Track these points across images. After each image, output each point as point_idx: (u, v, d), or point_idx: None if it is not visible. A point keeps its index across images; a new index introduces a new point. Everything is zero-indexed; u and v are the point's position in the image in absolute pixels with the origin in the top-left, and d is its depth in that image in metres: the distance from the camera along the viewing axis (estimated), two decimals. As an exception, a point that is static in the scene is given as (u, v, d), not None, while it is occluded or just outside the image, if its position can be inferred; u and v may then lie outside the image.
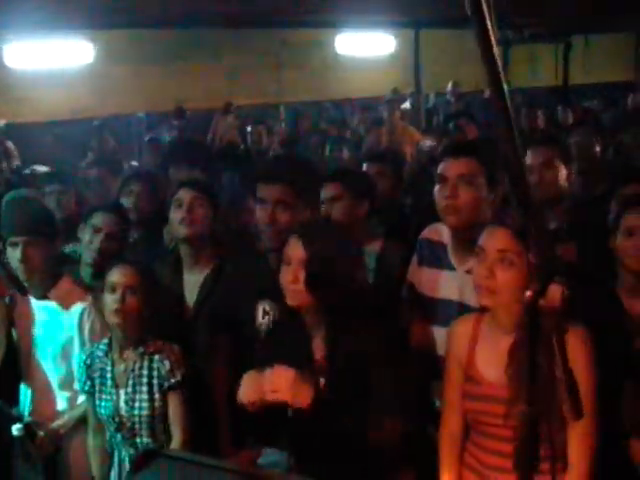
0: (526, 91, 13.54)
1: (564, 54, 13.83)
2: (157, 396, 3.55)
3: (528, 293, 1.54)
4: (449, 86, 14.25)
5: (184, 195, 3.96)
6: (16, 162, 10.45)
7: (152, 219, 4.82)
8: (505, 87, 1.49)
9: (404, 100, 13.49)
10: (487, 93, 14.98)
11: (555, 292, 1.54)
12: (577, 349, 2.66)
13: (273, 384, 2.72)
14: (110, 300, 3.52)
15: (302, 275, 2.84)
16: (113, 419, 3.58)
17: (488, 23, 1.41)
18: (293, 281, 2.87)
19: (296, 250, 2.88)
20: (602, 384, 2.74)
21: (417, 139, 8.52)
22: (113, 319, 3.53)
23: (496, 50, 1.45)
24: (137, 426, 3.56)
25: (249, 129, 8.41)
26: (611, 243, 3.36)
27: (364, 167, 5.16)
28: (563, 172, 4.37)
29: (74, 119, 12.52)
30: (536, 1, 10.98)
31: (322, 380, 2.89)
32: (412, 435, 2.89)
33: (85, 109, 12.98)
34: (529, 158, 4.47)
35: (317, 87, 15.33)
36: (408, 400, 2.88)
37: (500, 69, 1.46)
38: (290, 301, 2.92)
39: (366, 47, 13.86)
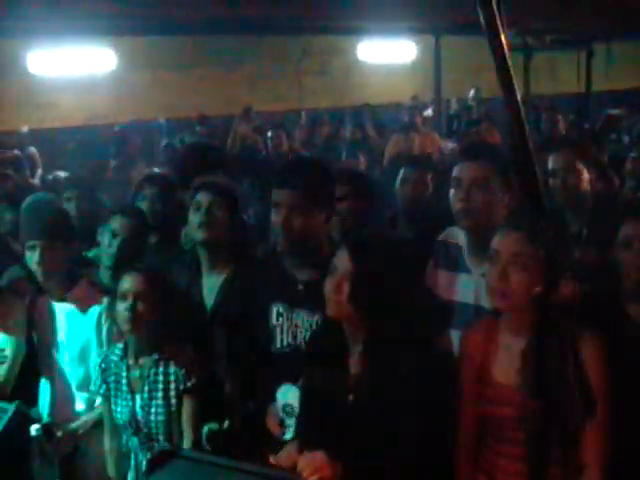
0: (547, 97, 13.50)
1: (586, 61, 13.80)
2: (173, 401, 3.58)
3: (539, 289, 1.54)
4: (471, 92, 14.23)
5: (202, 198, 3.97)
6: (39, 168, 10.53)
7: (169, 222, 4.83)
8: (517, 93, 1.50)
9: (426, 107, 13.49)
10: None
11: (567, 288, 1.53)
12: (593, 354, 2.67)
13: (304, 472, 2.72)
14: (121, 308, 3.55)
15: (346, 287, 2.81)
16: (130, 424, 3.60)
17: (500, 29, 1.43)
18: (336, 292, 2.83)
19: (343, 261, 2.85)
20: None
21: (439, 144, 8.53)
22: (125, 326, 3.56)
23: (508, 56, 1.47)
24: (154, 431, 3.59)
25: (269, 134, 8.43)
26: (610, 252, 3.32)
27: (401, 173, 5.19)
28: (586, 175, 4.36)
29: (95, 125, 12.61)
30: (558, 8, 10.98)
31: (351, 397, 2.90)
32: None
33: (106, 115, 13.07)
34: (551, 162, 4.47)
35: (338, 93, 15.34)
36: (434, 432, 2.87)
37: (512, 75, 1.47)
38: (330, 312, 2.89)
39: (387, 54, 13.86)
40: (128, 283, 3.57)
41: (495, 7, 1.40)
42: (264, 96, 14.11)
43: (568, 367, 2.52)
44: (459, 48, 13.64)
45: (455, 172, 3.39)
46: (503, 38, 1.43)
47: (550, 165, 4.47)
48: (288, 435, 3.31)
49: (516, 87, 1.44)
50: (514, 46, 14.39)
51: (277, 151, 8.04)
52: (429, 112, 12.84)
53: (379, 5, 9.06)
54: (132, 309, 3.52)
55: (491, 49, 1.44)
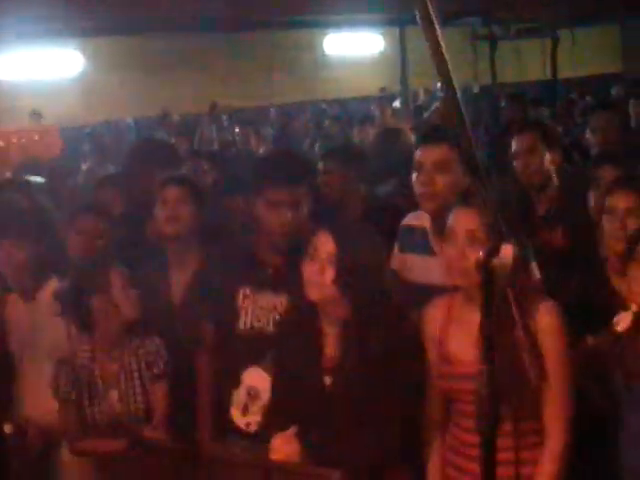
0: (513, 85, 13.60)
1: (551, 48, 13.87)
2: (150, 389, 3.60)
3: (480, 254, 1.57)
4: (438, 83, 14.29)
5: (169, 192, 3.98)
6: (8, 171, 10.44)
7: (133, 219, 4.79)
8: (454, 80, 1.53)
9: (394, 98, 13.52)
10: (476, 88, 15.13)
11: (507, 251, 1.56)
12: (547, 321, 2.73)
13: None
14: None
15: (330, 270, 2.85)
16: (109, 423, 3.60)
17: (433, 17, 1.46)
18: (319, 275, 2.86)
19: (326, 244, 2.90)
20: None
21: (408, 136, 8.52)
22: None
23: (443, 45, 1.50)
24: (134, 422, 3.59)
25: (237, 130, 8.44)
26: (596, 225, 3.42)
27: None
28: (548, 157, 4.42)
29: (64, 127, 12.56)
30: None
31: (328, 379, 2.93)
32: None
33: (74, 117, 13.00)
34: (514, 144, 4.53)
35: (307, 88, 15.35)
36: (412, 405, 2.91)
37: (448, 65, 1.50)
38: (312, 295, 2.92)
39: (354, 47, 13.90)
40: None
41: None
42: (234, 93, 14.08)
43: (520, 335, 2.56)
44: (424, 39, 13.66)
45: (416, 157, 3.43)
46: (436, 25, 1.46)
47: (513, 147, 4.53)
48: (252, 428, 3.35)
49: (450, 72, 1.46)
50: (480, 36, 14.52)
51: (245, 147, 8.05)
52: (397, 104, 12.87)
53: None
54: None
55: (425, 37, 1.47)
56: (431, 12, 1.43)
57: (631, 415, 2.85)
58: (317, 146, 7.69)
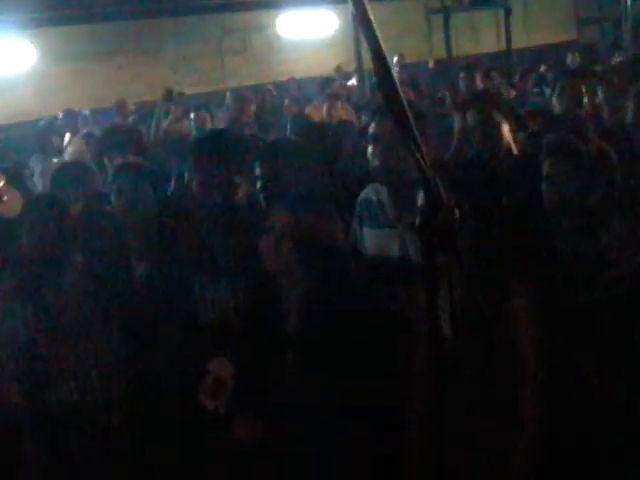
0: (468, 58, 13.60)
1: (505, 19, 13.90)
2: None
3: (417, 219, 1.56)
4: (394, 59, 14.27)
5: (124, 181, 3.94)
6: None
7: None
8: (385, 53, 1.51)
9: (350, 77, 13.47)
10: (431, 63, 15.13)
11: (446, 214, 1.54)
12: (520, 304, 2.73)
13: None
14: None
15: (288, 241, 2.89)
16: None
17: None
18: (276, 248, 2.91)
19: (281, 218, 2.90)
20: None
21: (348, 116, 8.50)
22: None
23: (373, 20, 1.49)
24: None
25: (192, 115, 8.36)
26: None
27: None
28: (505, 126, 4.43)
29: (18, 122, 12.40)
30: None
31: (290, 353, 2.92)
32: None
33: (28, 111, 12.84)
34: (469, 117, 4.53)
35: (260, 71, 15.26)
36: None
37: (378, 38, 1.49)
38: (270, 266, 2.95)
39: (307, 27, 13.82)
40: None
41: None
42: (187, 79, 13.98)
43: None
44: (379, 16, 13.62)
45: (372, 129, 3.40)
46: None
47: (469, 120, 4.54)
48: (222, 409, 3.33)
49: (381, 42, 1.46)
50: (433, 9, 14.52)
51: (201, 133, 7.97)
52: (353, 82, 12.84)
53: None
54: None
55: (355, 10, 1.45)
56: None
57: None
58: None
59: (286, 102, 10.46)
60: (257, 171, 3.91)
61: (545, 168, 3.41)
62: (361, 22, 1.45)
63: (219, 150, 3.51)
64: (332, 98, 8.75)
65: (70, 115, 10.55)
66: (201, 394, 3.22)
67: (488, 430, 2.74)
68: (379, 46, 1.47)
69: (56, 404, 3.55)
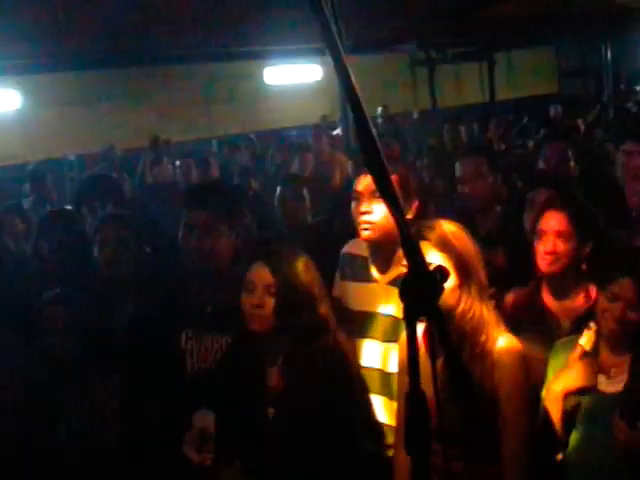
0: (452, 109, 13.76)
1: (488, 71, 14.08)
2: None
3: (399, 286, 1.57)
4: (379, 110, 14.39)
5: (107, 233, 3.96)
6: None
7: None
8: (364, 108, 1.52)
9: (335, 126, 13.57)
10: (415, 114, 15.27)
11: (428, 278, 1.56)
12: (506, 359, 2.75)
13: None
14: None
15: (269, 300, 2.88)
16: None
17: (339, 45, 1.47)
18: (258, 307, 2.90)
19: (262, 275, 2.90)
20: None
21: (345, 163, 8.60)
22: None
23: (352, 74, 1.50)
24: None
25: (177, 163, 8.42)
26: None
27: (278, 190, 5.33)
28: (491, 181, 4.51)
29: (5, 165, 12.40)
30: (457, 21, 11.21)
31: (271, 410, 2.92)
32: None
33: (14, 155, 12.85)
34: (458, 170, 4.59)
35: (247, 119, 15.35)
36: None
37: (357, 92, 1.50)
38: (254, 326, 2.94)
39: (294, 76, 13.92)
40: None
41: (329, 14, 1.43)
42: (173, 126, 14.03)
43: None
44: (365, 66, 13.81)
45: (355, 186, 3.44)
46: (342, 53, 1.46)
47: (458, 172, 4.60)
48: (208, 463, 3.32)
49: (357, 91, 1.47)
50: (418, 60, 14.69)
51: (186, 180, 8.03)
52: (338, 131, 12.94)
53: (282, 29, 9.14)
54: None
55: (334, 65, 1.47)
56: (337, 40, 1.44)
57: None
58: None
59: (271, 151, 10.53)
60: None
61: (537, 226, 3.44)
62: (339, 74, 1.47)
63: (205, 196, 3.54)
64: (303, 149, 8.79)
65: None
66: (186, 447, 3.22)
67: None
68: (357, 99, 1.48)
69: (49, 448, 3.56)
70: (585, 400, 2.92)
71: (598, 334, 2.96)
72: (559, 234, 3.32)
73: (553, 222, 3.35)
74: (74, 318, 3.61)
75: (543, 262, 3.35)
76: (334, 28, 1.44)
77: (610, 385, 2.90)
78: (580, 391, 2.92)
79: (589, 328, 3.00)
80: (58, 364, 3.61)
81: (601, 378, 2.93)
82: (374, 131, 1.48)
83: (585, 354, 2.95)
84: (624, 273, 2.87)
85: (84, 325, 3.61)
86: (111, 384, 3.61)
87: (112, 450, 3.55)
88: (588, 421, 2.90)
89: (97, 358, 3.66)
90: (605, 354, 2.96)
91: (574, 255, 3.33)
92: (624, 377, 2.84)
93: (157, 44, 9.53)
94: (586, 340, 2.98)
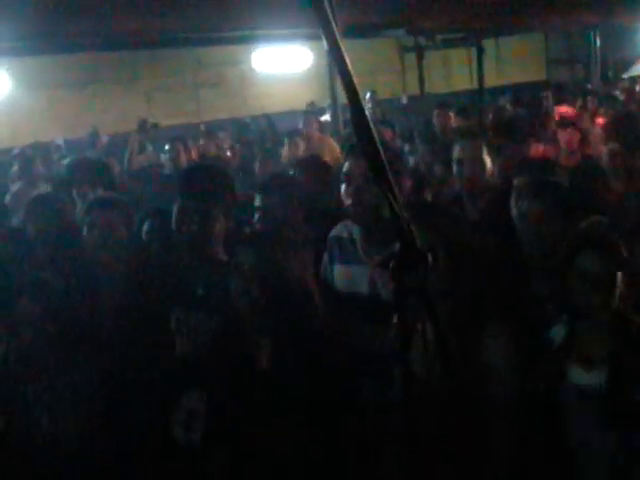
0: (441, 95, 13.75)
1: (477, 58, 14.05)
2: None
3: (391, 265, 1.58)
4: (367, 95, 14.38)
5: (97, 217, 3.95)
6: None
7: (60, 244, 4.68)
8: (359, 92, 1.53)
9: (323, 112, 13.55)
10: (404, 99, 15.25)
11: (419, 257, 1.56)
12: (496, 344, 2.76)
13: None
14: None
15: (255, 282, 2.91)
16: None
17: (335, 30, 1.47)
18: (246, 288, 2.93)
19: (248, 258, 2.91)
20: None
21: (335, 148, 8.63)
22: None
23: (347, 59, 1.50)
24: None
25: (167, 147, 8.39)
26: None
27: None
28: (489, 164, 4.52)
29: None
30: (446, 7, 11.19)
31: (262, 391, 2.93)
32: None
33: (2, 139, 12.81)
34: (458, 151, 4.60)
35: (235, 105, 15.32)
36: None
37: (352, 78, 1.51)
38: (242, 308, 2.96)
39: (282, 62, 13.87)
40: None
41: (327, 6, 1.43)
42: (161, 110, 13.99)
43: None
44: (353, 52, 13.74)
45: (344, 169, 3.45)
46: (339, 38, 1.46)
47: (457, 154, 4.60)
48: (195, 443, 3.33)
49: (352, 76, 1.47)
50: (407, 46, 14.66)
51: (175, 164, 8.01)
52: (327, 117, 12.92)
53: (271, 13, 9.10)
54: None
55: (329, 49, 1.47)
56: (333, 25, 1.44)
57: None
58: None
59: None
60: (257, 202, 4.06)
61: (520, 207, 3.46)
62: (335, 59, 1.47)
63: (200, 182, 3.54)
64: (293, 136, 8.80)
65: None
66: (174, 428, 3.22)
67: (458, 465, 2.76)
68: (353, 84, 1.49)
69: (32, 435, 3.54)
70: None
71: None
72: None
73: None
74: (47, 307, 3.57)
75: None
76: (329, 11, 1.45)
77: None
78: None
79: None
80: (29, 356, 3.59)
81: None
82: (368, 115, 1.50)
83: None
84: None
85: (58, 312, 3.58)
86: (93, 368, 3.59)
87: (98, 433, 3.54)
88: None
89: (77, 342, 3.63)
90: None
91: None
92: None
93: (145, 28, 9.48)
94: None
